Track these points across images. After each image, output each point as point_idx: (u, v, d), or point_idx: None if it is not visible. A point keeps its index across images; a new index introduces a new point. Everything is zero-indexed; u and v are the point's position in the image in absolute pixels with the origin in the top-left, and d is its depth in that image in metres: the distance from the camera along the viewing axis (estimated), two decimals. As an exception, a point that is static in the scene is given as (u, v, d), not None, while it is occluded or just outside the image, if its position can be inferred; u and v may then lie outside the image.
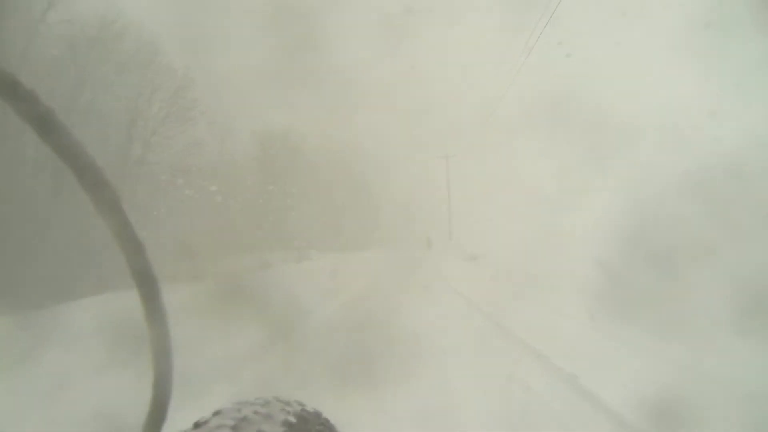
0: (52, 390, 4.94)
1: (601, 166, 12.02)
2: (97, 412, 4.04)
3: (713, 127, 9.44)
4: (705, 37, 9.65)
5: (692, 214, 7.91)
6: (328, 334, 7.50)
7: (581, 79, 14.02)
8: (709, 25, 9.57)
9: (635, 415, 3.78)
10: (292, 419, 0.88)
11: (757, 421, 3.55)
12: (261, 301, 9.85)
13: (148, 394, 0.79)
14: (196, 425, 0.83)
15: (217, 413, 0.86)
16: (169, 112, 14.76)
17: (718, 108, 9.75)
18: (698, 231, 7.57)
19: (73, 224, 10.99)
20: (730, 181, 8.01)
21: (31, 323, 8.28)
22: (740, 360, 4.49)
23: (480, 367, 5.76)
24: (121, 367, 4.62)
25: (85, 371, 5.16)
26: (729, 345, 4.82)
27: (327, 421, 0.99)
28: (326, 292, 11.58)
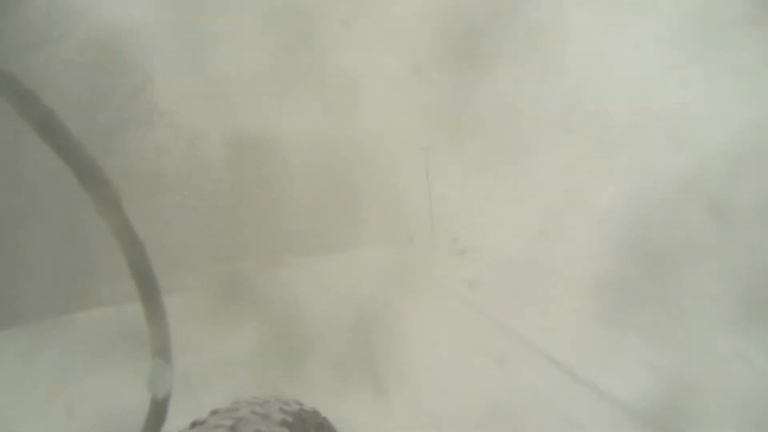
0: (52, 390, 4.94)
1: (593, 159, 12.00)
2: (98, 412, 4.04)
3: (713, 127, 9.44)
4: (705, 37, 9.65)
5: (692, 214, 7.89)
6: (307, 342, 7.22)
7: (579, 76, 14.01)
8: (710, 25, 9.57)
9: (639, 409, 3.77)
10: (290, 419, 0.88)
11: (757, 418, 3.54)
12: (231, 314, 9.30)
13: (148, 394, 0.79)
14: (193, 425, 0.84)
15: (214, 412, 0.86)
16: (126, 115, 13.73)
17: (719, 108, 9.75)
18: (698, 230, 7.56)
19: (70, 232, 10.84)
20: (729, 181, 8.01)
21: (30, 326, 8.29)
22: (740, 357, 4.49)
23: (477, 364, 5.74)
24: (120, 367, 4.62)
25: (85, 371, 5.16)
26: (729, 343, 4.82)
27: (325, 419, 0.99)
28: (304, 297, 11.15)
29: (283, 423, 0.86)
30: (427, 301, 10.06)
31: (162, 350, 0.77)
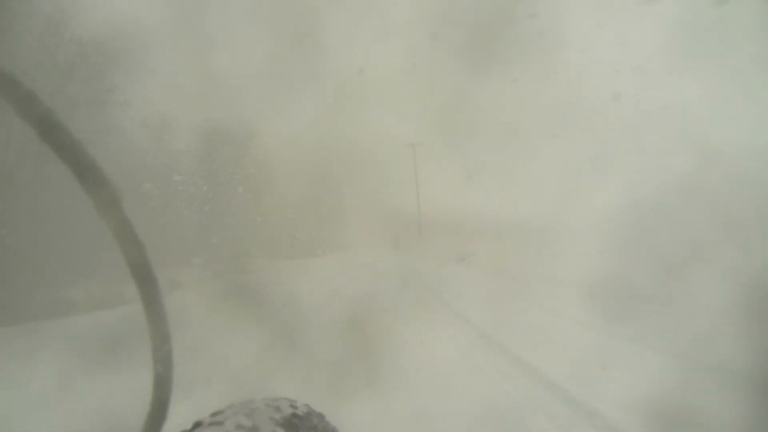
0: (52, 390, 4.94)
1: (592, 160, 11.99)
2: (98, 413, 4.04)
3: (713, 126, 9.45)
4: (706, 37, 9.66)
5: (692, 214, 7.90)
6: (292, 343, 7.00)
7: (578, 76, 14.02)
8: (711, 25, 9.58)
9: (635, 427, 3.70)
10: (299, 412, 0.86)
11: (756, 421, 3.54)
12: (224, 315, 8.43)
13: (148, 394, 0.79)
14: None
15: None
16: (78, 93, 11.97)
17: (719, 108, 9.76)
18: (698, 231, 7.56)
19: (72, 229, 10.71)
20: (730, 181, 8.01)
21: (30, 326, 8.29)
22: (740, 359, 4.48)
23: (474, 368, 5.73)
24: (121, 367, 4.62)
25: (85, 371, 5.15)
26: (729, 345, 4.81)
27: (321, 417, 0.98)
28: (270, 310, 9.85)
29: None
30: (419, 307, 9.79)
31: (163, 350, 0.77)
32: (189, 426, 0.85)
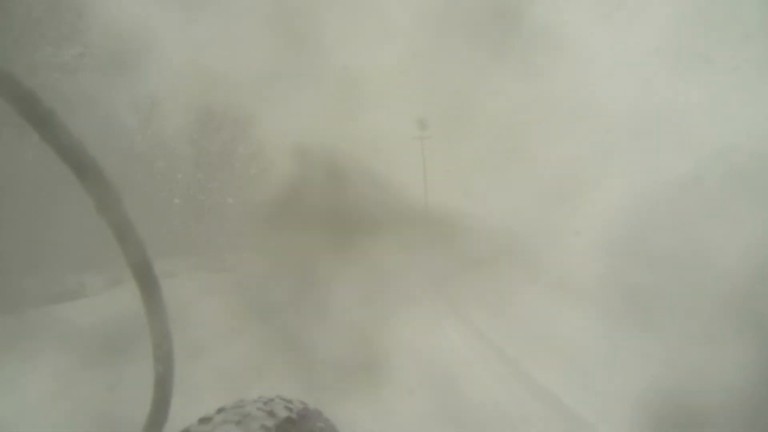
0: (52, 390, 4.94)
1: (592, 159, 11.96)
2: (98, 412, 4.04)
3: (713, 127, 9.44)
4: (706, 37, 9.66)
5: (693, 215, 7.89)
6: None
7: (578, 75, 14.00)
8: (711, 25, 9.58)
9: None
10: (294, 416, 0.89)
11: (757, 424, 3.53)
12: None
13: (149, 394, 0.79)
14: (201, 421, 0.84)
15: (220, 410, 0.87)
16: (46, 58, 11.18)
17: (719, 108, 9.76)
18: (699, 231, 7.55)
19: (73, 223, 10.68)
20: (729, 181, 8.00)
21: (31, 322, 8.28)
22: (739, 360, 4.47)
23: (474, 367, 5.72)
24: (122, 366, 4.62)
25: (86, 371, 5.15)
26: (727, 344, 4.80)
27: (328, 420, 0.99)
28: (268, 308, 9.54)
29: (288, 420, 0.87)
30: (421, 309, 9.71)
31: (163, 349, 0.77)
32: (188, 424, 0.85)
